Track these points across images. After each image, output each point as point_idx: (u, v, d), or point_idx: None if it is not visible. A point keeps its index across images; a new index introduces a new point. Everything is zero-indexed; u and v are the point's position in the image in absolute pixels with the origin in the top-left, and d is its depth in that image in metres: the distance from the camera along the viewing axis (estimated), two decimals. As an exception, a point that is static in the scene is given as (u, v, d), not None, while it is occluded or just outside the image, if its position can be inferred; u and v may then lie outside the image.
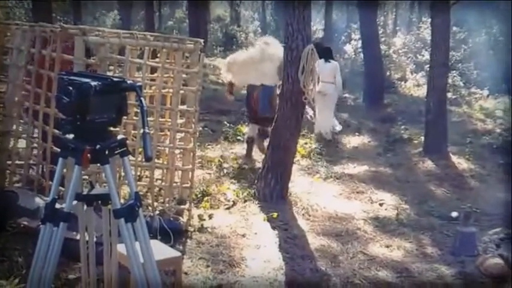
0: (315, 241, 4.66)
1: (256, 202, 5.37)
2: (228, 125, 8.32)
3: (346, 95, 12.65)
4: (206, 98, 9.54)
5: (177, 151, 5.19)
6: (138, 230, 2.37)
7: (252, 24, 22.86)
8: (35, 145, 5.02)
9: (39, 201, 4.22)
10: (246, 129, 8.17)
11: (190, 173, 4.98)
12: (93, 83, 2.21)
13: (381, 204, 5.69)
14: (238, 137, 7.83)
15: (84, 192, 2.44)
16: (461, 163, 7.40)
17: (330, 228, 4.95)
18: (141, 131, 2.28)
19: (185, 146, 5.15)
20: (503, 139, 8.53)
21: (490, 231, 4.95)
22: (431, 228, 5.16)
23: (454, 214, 5.36)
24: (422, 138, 8.02)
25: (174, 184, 4.96)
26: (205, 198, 5.29)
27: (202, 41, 5.44)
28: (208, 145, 7.35)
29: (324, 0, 16.51)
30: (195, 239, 4.44)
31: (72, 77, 2.30)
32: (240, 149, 7.42)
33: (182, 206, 4.87)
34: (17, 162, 4.95)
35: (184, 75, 5.12)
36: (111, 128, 2.44)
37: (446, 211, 5.54)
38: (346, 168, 7.01)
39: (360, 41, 13.02)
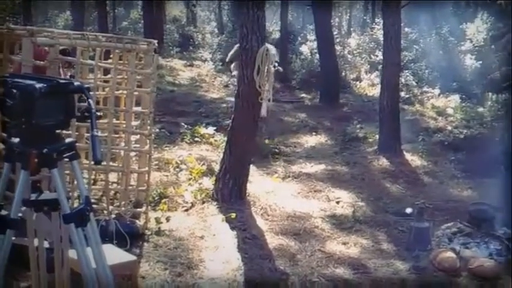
0: (273, 240, 4.68)
1: (215, 203, 5.35)
2: (185, 126, 8.25)
3: (303, 95, 12.80)
4: (163, 99, 9.46)
5: (132, 153, 5.11)
6: (89, 234, 2.32)
7: (208, 25, 22.78)
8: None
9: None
10: (203, 130, 8.13)
11: (146, 175, 4.92)
12: (38, 85, 2.15)
13: (337, 202, 5.77)
14: (196, 139, 7.78)
15: (33, 198, 2.36)
16: (414, 160, 7.60)
17: (288, 227, 4.98)
18: (90, 133, 2.23)
19: (141, 148, 5.07)
20: (454, 136, 8.82)
21: (442, 226, 5.10)
22: (387, 224, 5.27)
23: (409, 210, 5.45)
24: (377, 136, 8.19)
25: (130, 187, 4.88)
26: (163, 201, 5.23)
27: (156, 41, 5.36)
28: (166, 147, 7.26)
29: (278, 0, 16.61)
30: (152, 242, 4.38)
31: (16, 79, 2.23)
32: (198, 150, 7.37)
33: (139, 209, 4.80)
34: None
35: (138, 77, 5.04)
36: (61, 131, 2.38)
37: (400, 207, 5.66)
38: (304, 167, 7.08)
39: (316, 42, 13.18)
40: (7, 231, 2.16)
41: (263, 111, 8.73)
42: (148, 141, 5.00)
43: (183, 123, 8.44)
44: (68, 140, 2.37)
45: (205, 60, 16.84)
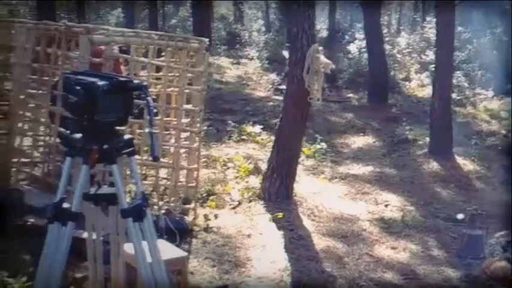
0: (320, 242, 4.64)
1: (262, 202, 5.35)
2: (232, 124, 8.29)
3: (351, 94, 12.62)
4: (211, 97, 9.51)
5: (182, 150, 5.18)
6: (145, 229, 2.37)
7: (255, 23, 22.81)
8: (41, 143, 5.02)
9: (46, 199, 4.19)
10: (250, 128, 8.16)
11: (195, 172, 4.98)
12: (100, 83, 2.20)
13: (386, 206, 5.66)
14: (243, 137, 7.81)
15: (92, 192, 2.42)
16: (466, 164, 7.36)
17: (335, 229, 4.93)
18: (148, 130, 2.27)
19: (190, 145, 5.14)
20: (508, 140, 8.48)
21: (496, 234, 4.91)
22: (437, 230, 5.14)
23: (460, 216, 5.32)
24: (427, 139, 7.98)
25: (179, 183, 4.95)
26: (211, 198, 5.28)
27: (207, 40, 5.42)
28: (213, 144, 7.33)
29: (327, 0, 16.53)
30: (201, 238, 4.43)
31: (79, 77, 2.29)
32: (245, 148, 7.40)
33: (187, 206, 4.87)
34: (23, 160, 4.95)
35: (189, 75, 5.11)
36: (118, 128, 2.43)
37: (452, 213, 5.51)
38: (351, 168, 6.98)
39: (364, 41, 12.97)
40: (68, 224, 2.23)
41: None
42: (197, 138, 5.06)
43: (230, 121, 8.49)
44: (126, 136, 2.42)
45: (252, 58, 16.87)
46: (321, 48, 5.70)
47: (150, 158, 2.76)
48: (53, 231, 2.25)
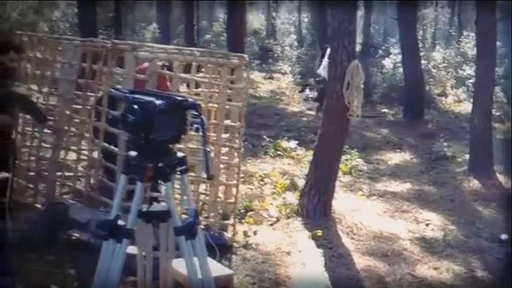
0: (360, 261, 4.57)
1: (300, 219, 5.32)
2: (267, 139, 8.30)
3: (385, 110, 12.50)
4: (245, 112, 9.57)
5: (221, 166, 5.21)
6: (196, 247, 2.39)
7: (288, 38, 22.91)
8: (84, 157, 5.12)
9: (89, 214, 4.28)
10: (285, 143, 8.16)
11: (234, 188, 5.00)
12: (158, 102, 2.25)
13: (427, 225, 5.55)
14: (278, 152, 7.81)
15: (144, 209, 2.46)
16: (508, 183, 7.16)
17: (375, 248, 4.85)
18: (202, 148, 2.30)
19: (230, 161, 5.16)
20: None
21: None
22: (481, 250, 5.00)
23: (504, 236, 5.18)
24: (466, 156, 7.82)
25: (218, 199, 4.98)
26: (249, 214, 5.28)
27: (246, 56, 5.47)
28: (249, 159, 7.34)
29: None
30: (240, 255, 4.43)
31: (136, 96, 2.35)
32: (280, 164, 7.40)
33: (226, 221, 4.88)
34: (66, 173, 5.06)
35: (229, 91, 5.16)
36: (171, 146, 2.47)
37: (495, 233, 5.37)
38: (389, 185, 6.89)
39: (399, 55, 12.87)
40: (123, 241, 2.27)
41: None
42: (237, 154, 5.09)
43: (265, 136, 8.50)
44: (179, 154, 2.46)
45: (285, 73, 16.92)
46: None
47: (204, 176, 2.78)
48: (107, 248, 2.29)
